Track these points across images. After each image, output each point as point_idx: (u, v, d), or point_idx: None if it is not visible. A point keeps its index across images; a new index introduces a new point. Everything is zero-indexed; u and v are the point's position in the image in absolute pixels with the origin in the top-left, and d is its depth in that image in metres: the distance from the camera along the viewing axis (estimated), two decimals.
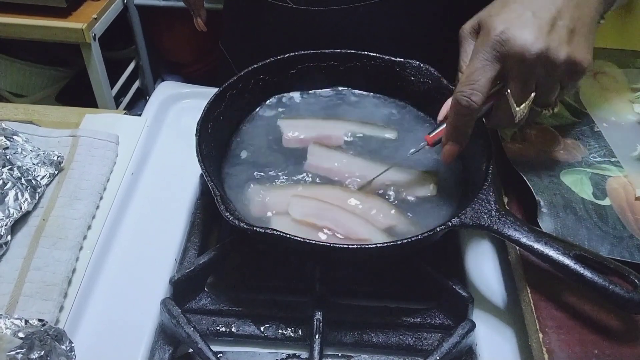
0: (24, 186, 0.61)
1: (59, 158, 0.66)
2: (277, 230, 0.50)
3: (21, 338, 0.45)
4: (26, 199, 0.60)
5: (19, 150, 0.65)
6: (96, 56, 1.40)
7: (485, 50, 0.50)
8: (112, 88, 1.55)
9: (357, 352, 0.54)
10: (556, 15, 0.50)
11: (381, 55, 0.69)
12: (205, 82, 0.85)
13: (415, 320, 0.55)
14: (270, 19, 0.80)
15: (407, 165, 0.63)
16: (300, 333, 0.54)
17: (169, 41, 1.74)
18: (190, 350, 0.52)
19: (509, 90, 0.51)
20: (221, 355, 0.53)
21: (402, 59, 0.69)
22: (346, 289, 0.60)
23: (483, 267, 0.61)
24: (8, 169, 0.61)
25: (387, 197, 0.61)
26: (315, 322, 0.53)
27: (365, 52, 0.70)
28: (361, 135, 0.67)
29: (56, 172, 0.65)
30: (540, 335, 0.49)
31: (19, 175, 0.62)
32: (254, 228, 0.50)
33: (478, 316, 0.55)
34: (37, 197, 0.62)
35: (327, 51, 0.70)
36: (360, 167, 0.63)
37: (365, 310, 0.56)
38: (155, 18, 1.66)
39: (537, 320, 0.50)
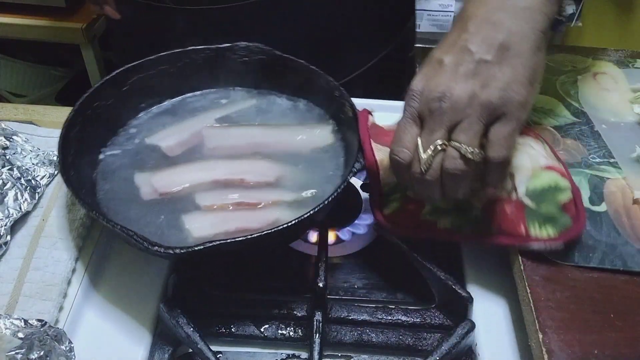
0: (23, 186, 0.61)
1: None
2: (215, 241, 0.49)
3: (21, 338, 0.45)
4: (26, 199, 0.60)
5: (19, 150, 0.65)
6: (96, 56, 1.40)
7: (404, 107, 0.51)
8: None
9: (356, 352, 0.54)
10: (443, 55, 0.49)
11: (208, 46, 0.68)
12: None
13: (415, 320, 0.55)
14: (154, 21, 0.80)
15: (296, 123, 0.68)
16: (300, 333, 0.54)
17: None
18: (190, 350, 0.52)
19: (419, 139, 0.49)
20: (221, 355, 0.53)
21: (229, 44, 0.68)
22: (346, 288, 0.60)
23: (483, 267, 0.61)
24: (8, 169, 0.61)
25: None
26: (315, 322, 0.53)
27: (191, 48, 0.68)
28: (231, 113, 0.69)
29: (56, 172, 0.65)
30: (540, 335, 0.49)
31: (19, 175, 0.62)
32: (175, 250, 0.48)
33: (478, 316, 0.55)
34: (36, 197, 0.62)
35: (152, 57, 0.67)
36: (260, 136, 0.66)
37: (365, 310, 0.56)
38: None
39: (537, 320, 0.50)
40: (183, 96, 0.71)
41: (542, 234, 0.53)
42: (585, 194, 0.60)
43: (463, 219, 0.56)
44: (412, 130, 0.50)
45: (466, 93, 0.47)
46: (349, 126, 0.63)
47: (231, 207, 0.58)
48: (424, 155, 0.48)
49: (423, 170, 0.49)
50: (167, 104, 0.70)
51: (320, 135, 0.66)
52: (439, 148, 0.48)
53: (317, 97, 0.69)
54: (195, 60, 0.69)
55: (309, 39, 0.76)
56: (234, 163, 0.63)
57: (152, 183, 0.60)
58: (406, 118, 0.50)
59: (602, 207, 0.59)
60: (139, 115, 0.68)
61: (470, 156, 0.47)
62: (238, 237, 0.49)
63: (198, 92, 0.71)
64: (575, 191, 0.56)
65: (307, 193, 0.60)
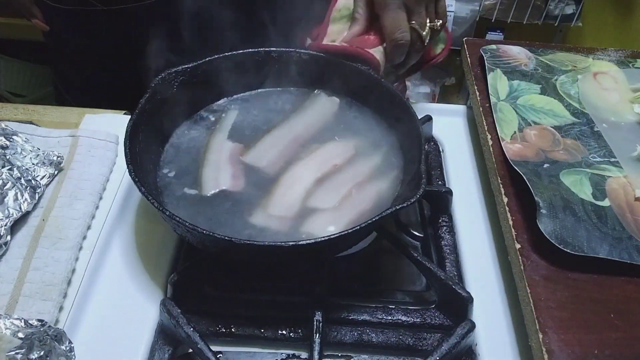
0: (23, 186, 0.61)
1: (59, 158, 0.66)
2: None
3: (21, 338, 0.45)
4: (26, 199, 0.60)
5: (19, 150, 0.65)
6: None
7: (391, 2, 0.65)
8: None
9: (356, 352, 0.54)
10: None
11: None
12: None
13: (415, 320, 0.55)
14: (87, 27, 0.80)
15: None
16: (300, 333, 0.54)
17: None
18: (190, 350, 0.52)
19: (413, 22, 0.66)
20: (221, 355, 0.53)
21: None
22: (346, 289, 0.60)
23: (483, 267, 0.61)
24: (8, 169, 0.61)
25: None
26: (315, 322, 0.53)
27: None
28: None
29: (56, 172, 0.65)
30: (540, 335, 0.49)
31: (19, 175, 0.62)
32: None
33: (478, 316, 0.55)
34: (36, 197, 0.62)
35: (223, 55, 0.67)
36: (288, 133, 0.66)
37: (365, 310, 0.56)
38: None
39: (537, 320, 0.50)
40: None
41: (439, 49, 0.75)
42: (587, 190, 0.60)
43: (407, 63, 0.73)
44: (404, 16, 0.66)
45: None
46: (311, 65, 0.68)
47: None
48: (424, 32, 0.67)
49: (425, 42, 0.67)
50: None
51: (325, 101, 0.70)
52: (429, 25, 0.67)
53: (283, 74, 0.71)
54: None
55: (258, 28, 0.76)
56: (314, 158, 0.64)
57: (272, 215, 0.57)
58: (396, 9, 0.65)
59: (605, 202, 0.59)
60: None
61: (441, 27, 0.69)
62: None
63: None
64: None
65: (381, 152, 0.64)
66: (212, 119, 0.68)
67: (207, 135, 0.66)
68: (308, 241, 0.49)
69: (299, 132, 0.67)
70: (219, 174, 0.62)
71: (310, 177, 0.61)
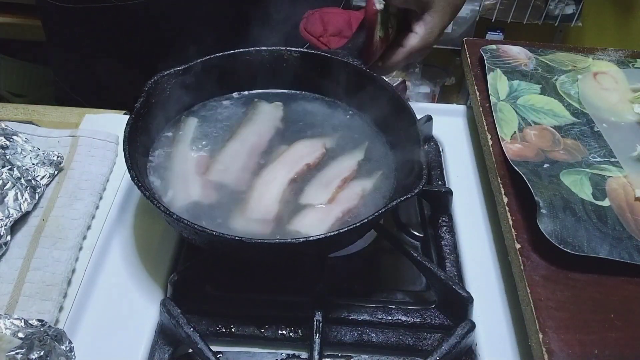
0: (23, 186, 0.61)
1: (59, 158, 0.66)
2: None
3: (21, 338, 0.45)
4: (26, 199, 0.60)
5: (19, 150, 0.65)
6: None
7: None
8: None
9: (356, 352, 0.54)
10: None
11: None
12: None
13: (415, 320, 0.55)
14: (98, 24, 0.79)
15: None
16: (300, 333, 0.54)
17: None
18: (190, 350, 0.52)
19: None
20: (221, 355, 0.53)
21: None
22: (346, 288, 0.60)
23: (483, 267, 0.61)
24: (8, 169, 0.61)
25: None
26: (315, 322, 0.53)
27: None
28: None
29: (56, 172, 0.65)
30: (540, 335, 0.49)
31: (19, 175, 0.62)
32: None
33: (478, 316, 0.55)
34: (36, 197, 0.62)
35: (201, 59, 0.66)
36: (245, 141, 0.64)
37: (365, 310, 0.56)
38: None
39: (537, 320, 0.50)
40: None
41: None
42: (587, 190, 0.60)
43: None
44: None
45: None
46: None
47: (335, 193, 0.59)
48: None
49: None
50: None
51: (269, 107, 0.69)
52: None
53: (277, 73, 0.70)
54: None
55: (261, 26, 0.76)
56: (283, 159, 0.62)
57: (252, 218, 0.57)
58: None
59: (606, 202, 0.59)
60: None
61: None
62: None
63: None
64: None
65: (363, 149, 0.64)
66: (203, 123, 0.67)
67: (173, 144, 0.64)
68: (319, 236, 0.49)
69: (255, 142, 0.64)
70: (181, 185, 0.60)
71: (284, 177, 0.60)
